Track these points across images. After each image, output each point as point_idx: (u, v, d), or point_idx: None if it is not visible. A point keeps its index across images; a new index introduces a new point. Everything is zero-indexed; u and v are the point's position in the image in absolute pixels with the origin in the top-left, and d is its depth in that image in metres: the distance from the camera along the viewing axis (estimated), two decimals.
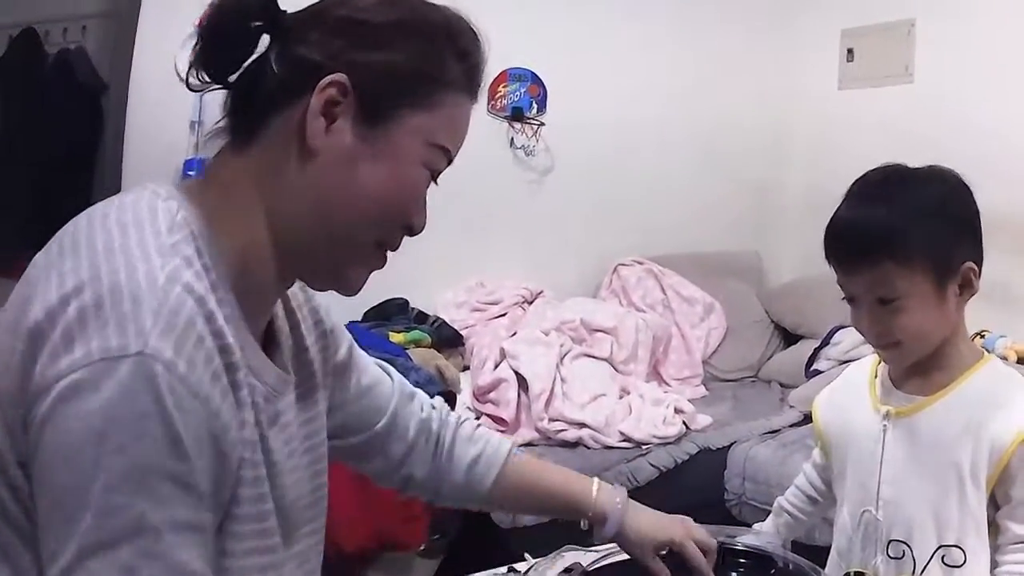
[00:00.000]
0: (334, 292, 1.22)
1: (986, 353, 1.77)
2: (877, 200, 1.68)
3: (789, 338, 4.79)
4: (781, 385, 4.49)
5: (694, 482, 3.72)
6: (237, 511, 1.07)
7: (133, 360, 0.94)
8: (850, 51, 4.77)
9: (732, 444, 3.84)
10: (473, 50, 1.21)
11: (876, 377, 1.83)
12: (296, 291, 1.34)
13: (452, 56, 1.18)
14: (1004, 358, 3.93)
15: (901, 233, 1.62)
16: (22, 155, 3.92)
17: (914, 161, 1.73)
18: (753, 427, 3.95)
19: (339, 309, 4.07)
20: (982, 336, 4.04)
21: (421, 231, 1.23)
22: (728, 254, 5.12)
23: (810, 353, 4.34)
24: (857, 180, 1.75)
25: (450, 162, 1.22)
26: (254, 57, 1.13)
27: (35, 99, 3.99)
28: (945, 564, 1.68)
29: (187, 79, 1.15)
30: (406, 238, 1.22)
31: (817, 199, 4.82)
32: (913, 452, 1.73)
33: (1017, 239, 3.94)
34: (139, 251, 1.01)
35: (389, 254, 1.21)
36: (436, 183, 1.22)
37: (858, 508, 1.80)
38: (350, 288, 1.22)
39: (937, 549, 1.69)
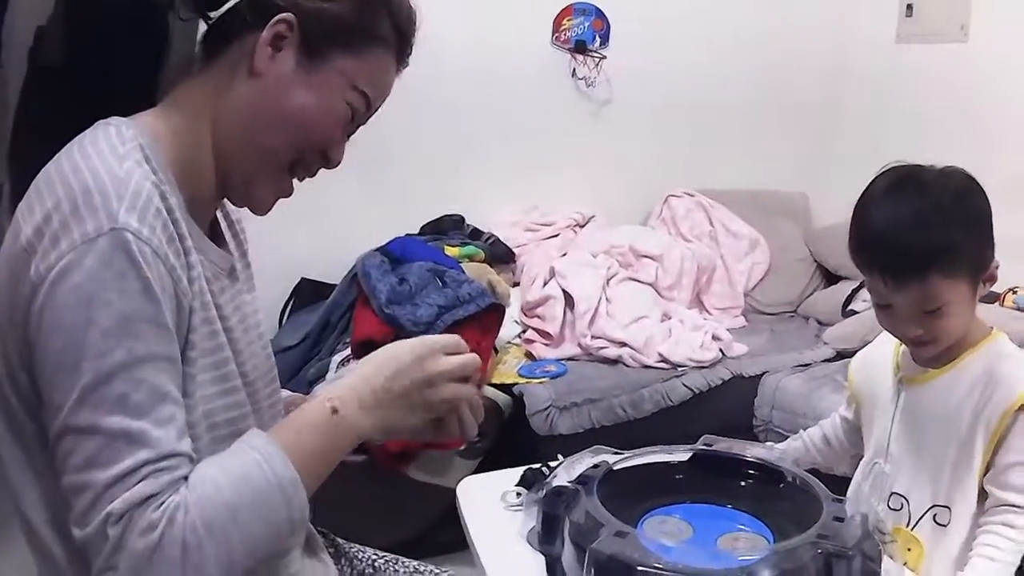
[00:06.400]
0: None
1: (993, 330, 1.84)
2: (913, 208, 1.72)
3: (830, 278, 4.82)
4: (818, 322, 4.54)
5: (725, 406, 3.81)
6: (191, 353, 1.28)
7: (108, 235, 1.16)
8: (909, 7, 4.74)
9: (764, 373, 3.92)
10: (406, 24, 1.44)
11: (902, 346, 1.92)
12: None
13: (387, 20, 1.40)
14: None
15: (951, 247, 1.68)
16: (90, 74, 3.96)
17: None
18: (786, 359, 4.01)
19: (397, 222, 4.18)
20: (1014, 292, 4.07)
21: (337, 164, 1.45)
22: (777, 193, 5.13)
23: (847, 294, 4.39)
24: (882, 181, 1.79)
25: (369, 110, 1.43)
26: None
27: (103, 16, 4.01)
28: (936, 523, 1.79)
29: (178, 10, 1.41)
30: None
31: (867, 147, 4.93)
32: (919, 417, 1.84)
33: None
34: (99, 161, 1.22)
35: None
36: (354, 128, 1.45)
37: (871, 459, 1.92)
38: (258, 205, 1.44)
39: (930, 508, 1.80)
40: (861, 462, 2.00)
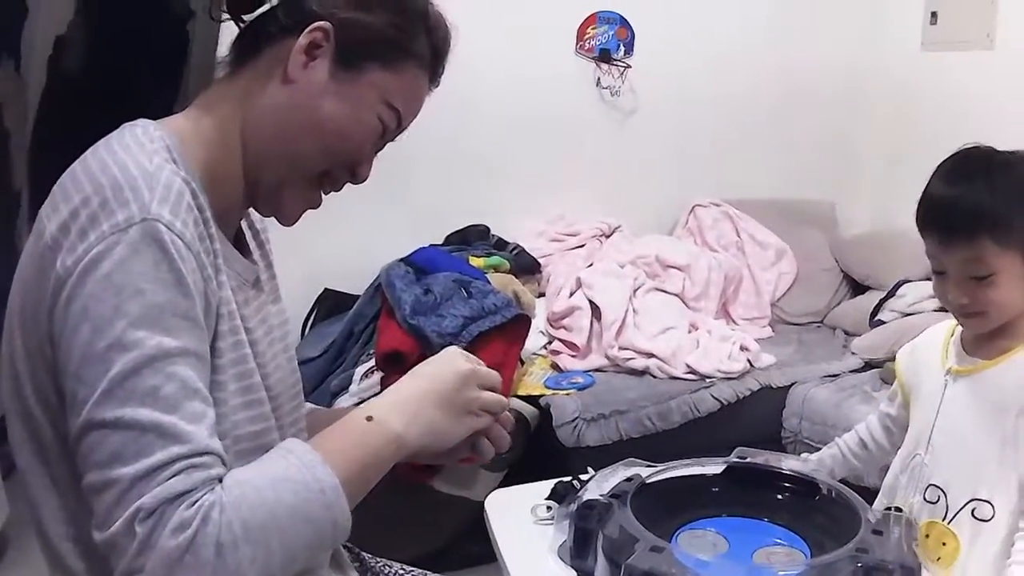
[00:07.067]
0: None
1: None
2: (976, 178, 1.75)
3: (857, 288, 4.79)
4: (845, 333, 4.51)
5: (754, 417, 3.79)
6: (218, 361, 1.25)
7: (140, 225, 1.14)
8: (934, 14, 4.72)
9: (793, 384, 3.89)
10: (442, 43, 1.44)
11: (952, 337, 1.92)
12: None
13: (424, 37, 1.39)
14: None
15: (1002, 214, 1.70)
16: (109, 82, 3.97)
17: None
18: (814, 370, 3.99)
19: (421, 232, 4.21)
20: None
21: (364, 179, 1.43)
22: (803, 202, 5.10)
23: (875, 304, 4.36)
24: (951, 157, 1.83)
25: (399, 127, 1.42)
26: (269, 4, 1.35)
27: (123, 25, 4.03)
28: (975, 517, 1.77)
29: (210, 11, 1.39)
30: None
31: (893, 155, 4.90)
32: (966, 409, 1.82)
33: None
34: (127, 156, 1.20)
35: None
36: (382, 144, 1.43)
37: (911, 451, 1.90)
38: (286, 215, 1.41)
39: (969, 502, 1.77)
40: (899, 453, 1.98)
